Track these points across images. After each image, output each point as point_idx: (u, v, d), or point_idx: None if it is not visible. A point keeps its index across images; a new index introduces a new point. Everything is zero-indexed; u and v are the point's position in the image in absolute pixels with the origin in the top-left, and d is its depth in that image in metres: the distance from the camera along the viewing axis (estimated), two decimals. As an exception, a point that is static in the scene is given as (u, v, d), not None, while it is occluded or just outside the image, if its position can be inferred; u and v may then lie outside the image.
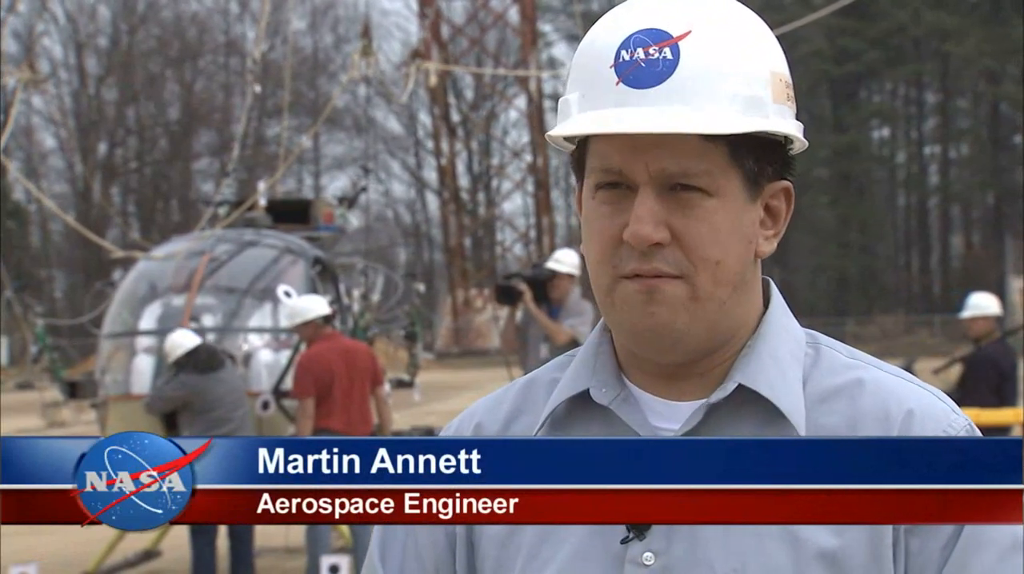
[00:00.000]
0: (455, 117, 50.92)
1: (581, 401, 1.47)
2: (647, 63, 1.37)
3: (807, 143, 1.48)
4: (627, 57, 1.38)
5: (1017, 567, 1.36)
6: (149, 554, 10.67)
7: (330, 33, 55.45)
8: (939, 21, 51.42)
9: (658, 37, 1.38)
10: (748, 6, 1.48)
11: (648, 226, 1.37)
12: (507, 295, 8.88)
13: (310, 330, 8.76)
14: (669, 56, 1.37)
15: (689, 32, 1.38)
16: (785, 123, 1.42)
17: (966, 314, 10.10)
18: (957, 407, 1.44)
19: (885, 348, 37.53)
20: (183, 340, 8.84)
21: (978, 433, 1.42)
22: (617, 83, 1.38)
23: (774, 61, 1.43)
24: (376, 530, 1.56)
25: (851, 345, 1.53)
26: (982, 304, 10.08)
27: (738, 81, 1.38)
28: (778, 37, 1.46)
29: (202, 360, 8.74)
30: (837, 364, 1.46)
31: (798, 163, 1.48)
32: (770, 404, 1.40)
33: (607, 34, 1.41)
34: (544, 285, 8.32)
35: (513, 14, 49.66)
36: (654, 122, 1.35)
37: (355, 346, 8.99)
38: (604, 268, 1.41)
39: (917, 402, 1.42)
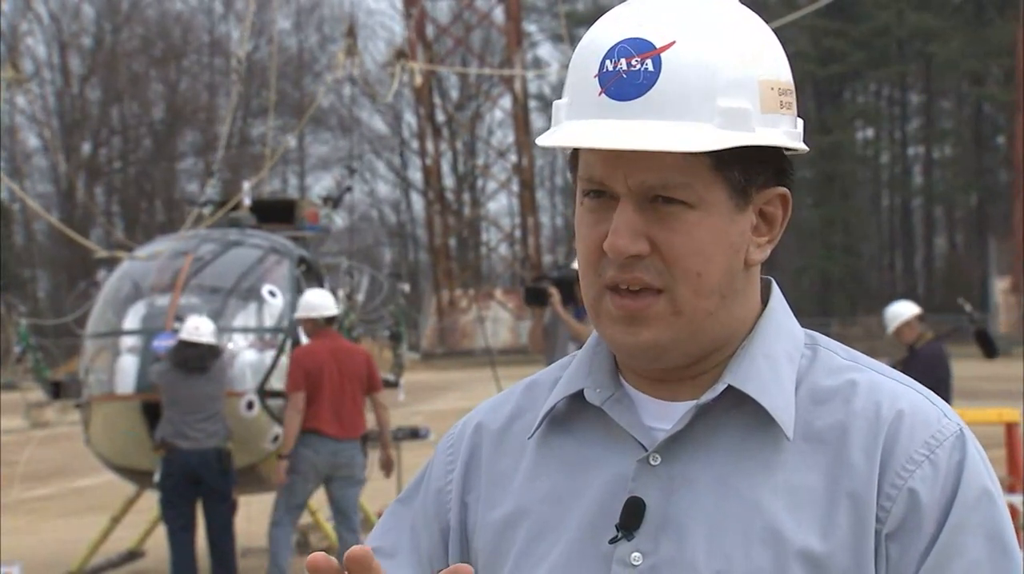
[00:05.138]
0: (440, 117, 50.87)
1: (579, 400, 1.47)
2: (628, 75, 1.35)
3: (807, 148, 1.45)
4: (610, 67, 1.36)
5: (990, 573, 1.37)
6: (133, 554, 10.64)
7: (315, 33, 55.39)
8: (923, 22, 51.55)
9: (641, 48, 1.35)
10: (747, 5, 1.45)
11: (624, 238, 1.37)
12: (535, 296, 9.03)
13: (309, 325, 8.81)
14: (650, 68, 1.35)
15: (673, 43, 1.35)
16: (773, 134, 1.38)
17: (890, 330, 10.06)
18: (951, 410, 1.43)
19: (869, 348, 37.46)
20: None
21: (972, 437, 1.41)
22: (599, 93, 1.36)
23: (766, 70, 1.39)
24: (383, 517, 1.58)
25: (835, 345, 1.51)
26: (898, 312, 10.06)
27: (720, 94, 1.35)
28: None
29: (188, 358, 8.72)
30: (834, 366, 1.44)
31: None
32: (759, 406, 1.40)
33: (596, 41, 1.39)
34: (571, 286, 8.38)
35: (498, 14, 49.65)
36: (627, 138, 1.34)
37: (351, 349, 8.90)
38: (590, 277, 1.41)
39: (908, 403, 1.41)
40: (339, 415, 8.51)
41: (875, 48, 52.31)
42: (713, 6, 1.39)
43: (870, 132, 58.93)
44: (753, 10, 1.43)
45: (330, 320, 8.78)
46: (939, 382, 9.39)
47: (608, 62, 1.36)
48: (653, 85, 1.35)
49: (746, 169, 1.39)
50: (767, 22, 1.47)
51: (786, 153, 1.44)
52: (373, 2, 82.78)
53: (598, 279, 1.40)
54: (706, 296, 1.39)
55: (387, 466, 8.99)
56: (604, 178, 1.38)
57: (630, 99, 1.35)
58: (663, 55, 1.35)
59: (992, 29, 50.47)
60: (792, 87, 1.43)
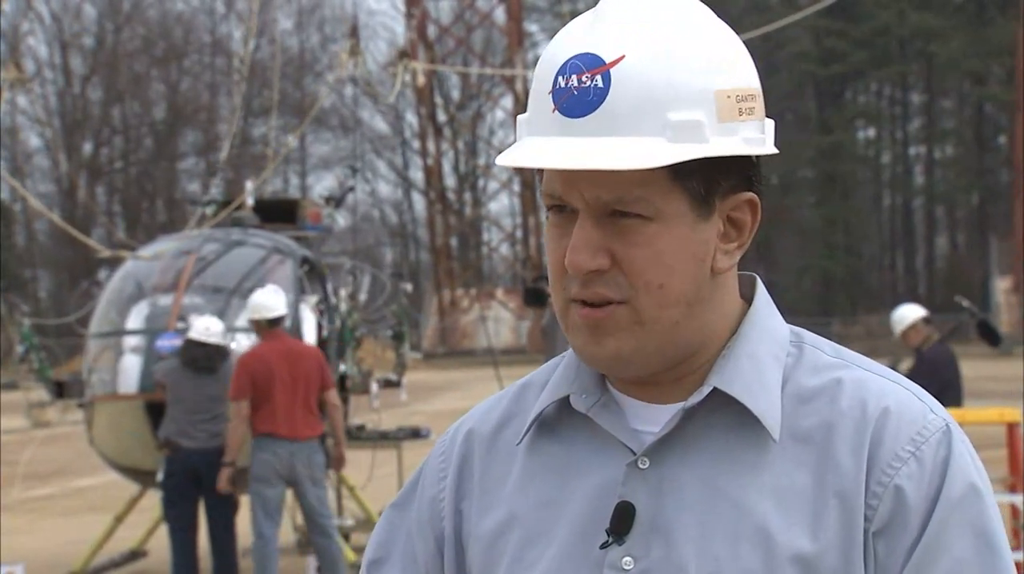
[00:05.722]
0: (442, 117, 50.90)
1: (567, 404, 1.47)
2: (579, 91, 1.34)
3: (775, 150, 1.42)
4: (563, 84, 1.35)
5: (976, 571, 1.37)
6: (135, 554, 10.66)
7: (316, 33, 55.43)
8: (924, 22, 51.55)
9: (591, 63, 1.34)
10: (722, 14, 1.42)
11: (583, 255, 1.36)
12: (534, 297, 9.04)
13: (256, 326, 8.67)
14: (600, 84, 1.34)
15: (622, 57, 1.34)
16: (729, 143, 1.36)
17: (895, 334, 10.17)
18: (938, 406, 1.42)
19: (870, 348, 37.61)
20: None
21: (959, 433, 1.41)
22: (553, 110, 1.36)
23: (722, 78, 1.36)
24: (379, 526, 1.58)
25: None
26: (903, 316, 10.10)
27: (671, 107, 1.34)
28: (764, 39, 1.42)
29: (196, 358, 8.75)
30: (820, 364, 1.44)
31: (784, 164, 1.44)
32: (745, 407, 1.39)
33: (551, 57, 1.38)
34: None
35: (499, 14, 49.68)
36: (575, 157, 1.33)
37: (301, 349, 8.78)
38: (558, 291, 1.41)
39: (895, 400, 1.40)
40: (293, 416, 8.41)
41: (876, 48, 52.30)
42: (670, 16, 1.37)
43: (871, 132, 58.92)
44: (755, 12, 1.43)
45: (276, 321, 8.57)
46: (945, 384, 9.39)
47: (560, 78, 1.35)
48: (603, 101, 1.34)
49: (707, 178, 1.37)
50: (768, 23, 1.47)
51: (755, 159, 1.41)
52: (375, 2, 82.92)
53: (564, 292, 1.40)
54: (670, 306, 1.38)
55: (338, 464, 8.98)
56: (563, 194, 1.38)
57: (581, 116, 1.34)
58: (612, 70, 1.34)
59: (993, 29, 50.47)
60: (756, 91, 1.40)
